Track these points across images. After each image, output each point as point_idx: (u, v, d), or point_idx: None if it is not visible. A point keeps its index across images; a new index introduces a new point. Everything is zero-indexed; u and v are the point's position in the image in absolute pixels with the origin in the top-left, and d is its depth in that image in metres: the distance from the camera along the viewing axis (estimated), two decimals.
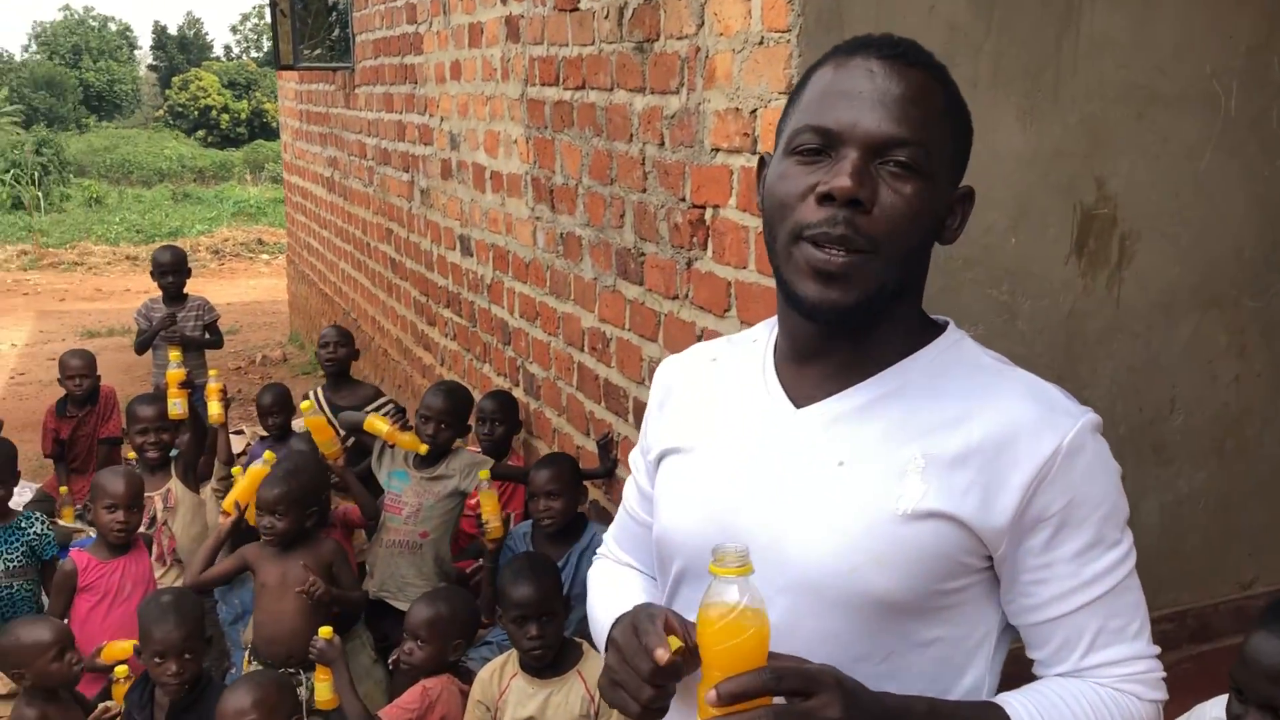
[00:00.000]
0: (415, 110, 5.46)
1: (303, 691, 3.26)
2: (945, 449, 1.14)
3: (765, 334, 1.33)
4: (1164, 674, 1.20)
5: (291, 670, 3.26)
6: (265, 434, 4.78)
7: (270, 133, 31.41)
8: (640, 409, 3.42)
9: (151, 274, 5.65)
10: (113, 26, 41.77)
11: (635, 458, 1.45)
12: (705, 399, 1.31)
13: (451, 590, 3.20)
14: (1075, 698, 1.15)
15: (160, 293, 5.61)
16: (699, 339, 2.97)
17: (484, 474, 3.46)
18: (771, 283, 2.67)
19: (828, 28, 2.55)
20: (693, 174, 3.01)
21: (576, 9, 3.60)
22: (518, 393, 4.42)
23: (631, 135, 3.32)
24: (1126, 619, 1.17)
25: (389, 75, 5.87)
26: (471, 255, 4.85)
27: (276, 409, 4.55)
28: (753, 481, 1.20)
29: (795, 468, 1.18)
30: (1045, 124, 2.84)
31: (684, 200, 3.06)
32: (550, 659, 2.75)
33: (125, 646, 3.10)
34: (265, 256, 14.66)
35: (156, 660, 2.79)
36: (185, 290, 5.67)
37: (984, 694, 1.20)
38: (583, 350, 3.81)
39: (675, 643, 1.07)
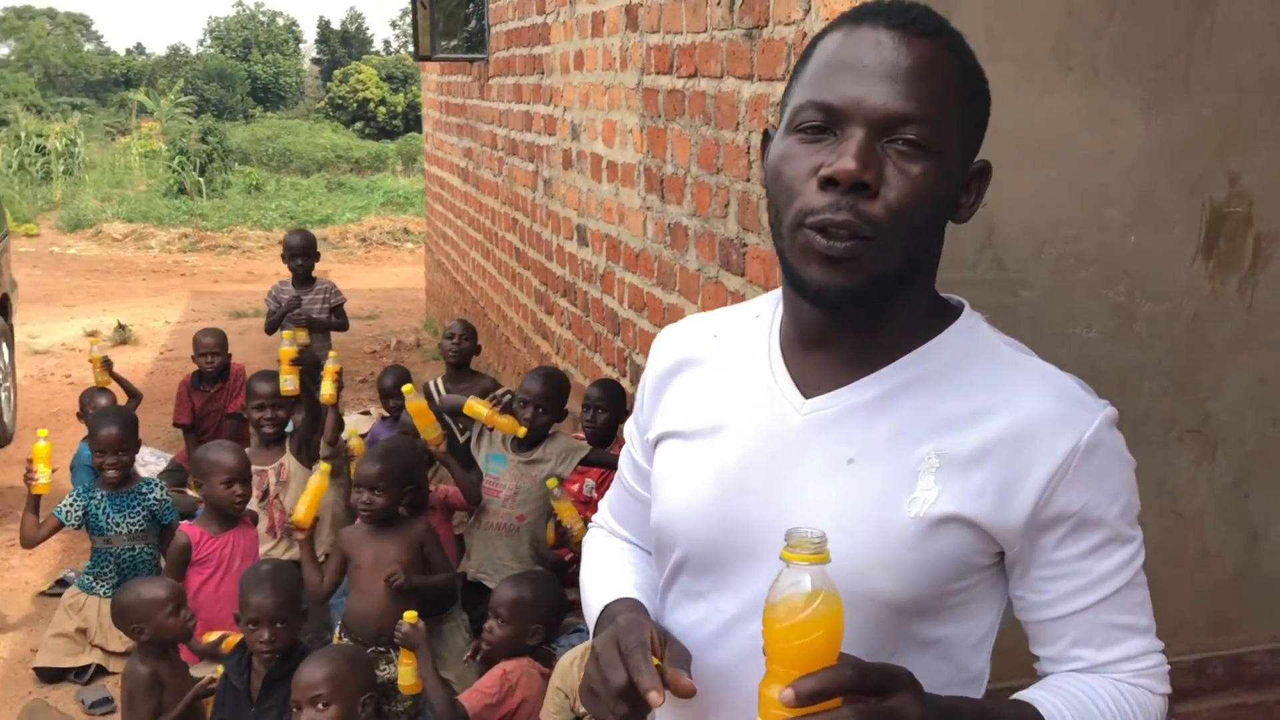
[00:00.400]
0: (541, 100, 5.49)
1: (392, 670, 3.31)
2: (961, 447, 1.10)
3: (769, 310, 1.26)
4: (1165, 668, 1.19)
5: (381, 649, 3.31)
6: (386, 414, 4.91)
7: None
8: None
9: (282, 256, 5.84)
10: (280, 21, 43.53)
11: (630, 430, 1.39)
12: (708, 380, 1.25)
13: (539, 574, 3.19)
14: (1098, 693, 1.12)
15: (290, 275, 5.79)
16: None
17: (551, 483, 3.44)
18: None
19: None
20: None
21: None
22: (625, 383, 4.39)
23: (738, 123, 3.25)
24: (1137, 615, 1.15)
25: (519, 66, 5.93)
26: (587, 245, 4.85)
27: (397, 391, 4.63)
28: (760, 476, 1.15)
29: (804, 463, 1.13)
30: (1173, 115, 2.67)
31: None
32: None
33: (212, 636, 3.24)
34: (410, 245, 15.02)
35: (251, 627, 2.86)
36: (314, 273, 5.83)
37: (983, 686, 1.18)
38: None
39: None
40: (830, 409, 1.14)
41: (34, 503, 3.80)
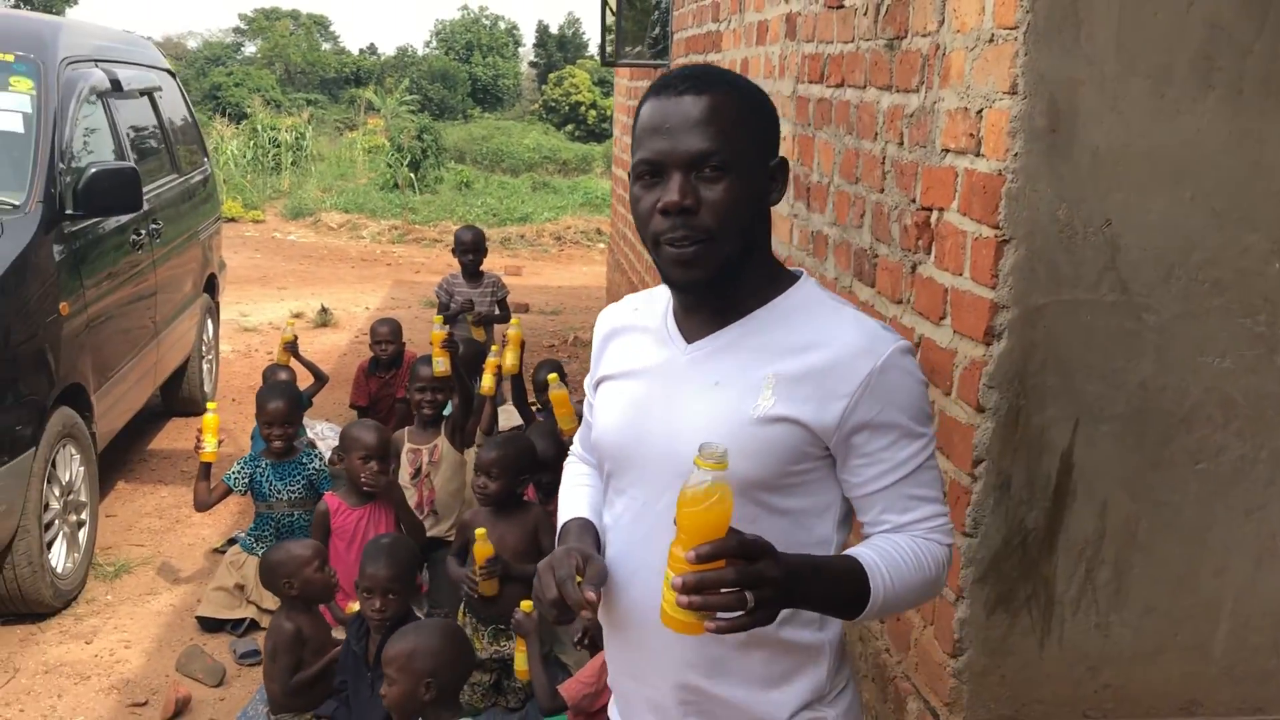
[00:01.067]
0: None
1: (510, 646, 3.45)
2: (791, 370, 1.52)
3: (666, 292, 1.69)
4: (950, 526, 1.60)
5: (501, 626, 3.46)
6: (539, 407, 5.08)
7: None
8: None
9: (453, 251, 6.11)
10: (502, 25, 45.15)
11: (587, 382, 1.84)
12: (629, 339, 1.71)
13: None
14: (900, 546, 1.53)
15: (459, 268, 6.06)
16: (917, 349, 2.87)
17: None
18: (982, 291, 2.54)
19: (1059, 26, 2.39)
20: (923, 175, 2.90)
21: (841, 6, 3.55)
22: None
23: (876, 133, 3.24)
24: (929, 488, 1.57)
25: None
26: None
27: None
28: (657, 399, 1.60)
29: (686, 388, 1.57)
30: None
31: (914, 201, 2.96)
32: None
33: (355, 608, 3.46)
34: (601, 245, 15.35)
35: (365, 595, 3.05)
36: (481, 268, 6.08)
37: (832, 549, 1.60)
38: None
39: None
40: (703, 350, 1.59)
41: (204, 470, 4.14)
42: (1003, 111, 2.46)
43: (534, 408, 5.32)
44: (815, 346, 1.51)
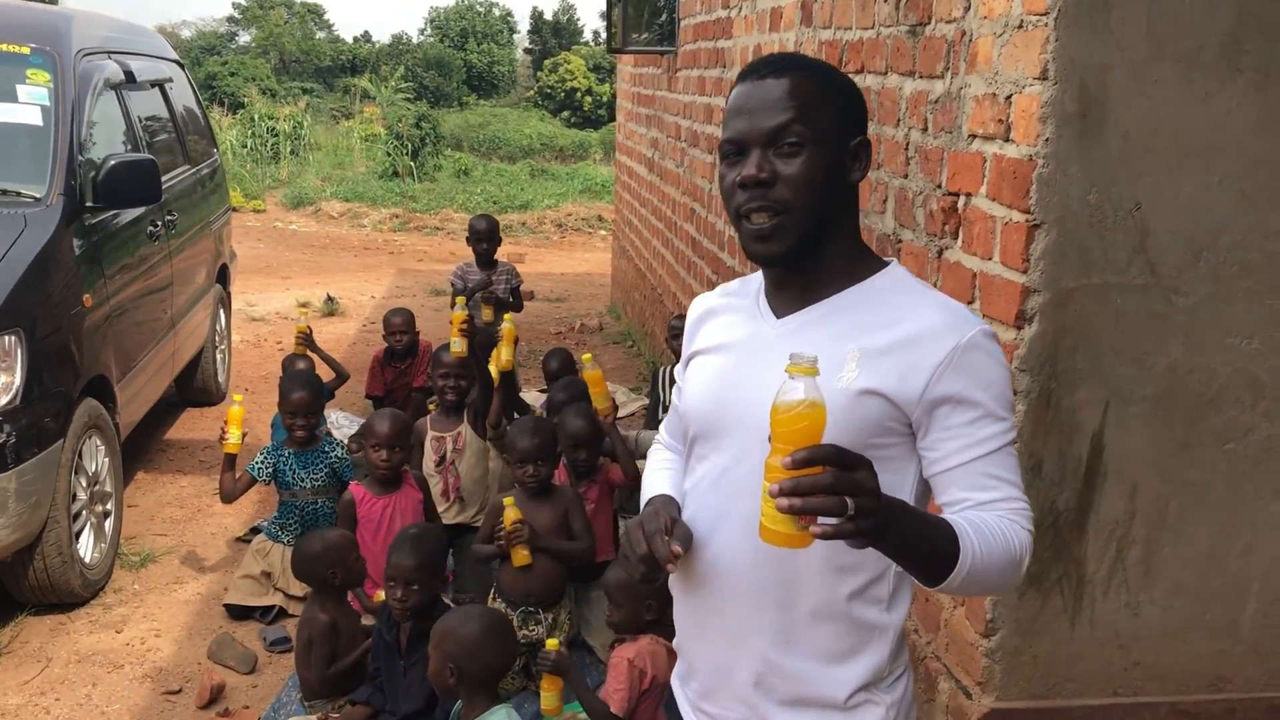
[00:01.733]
0: (723, 94, 5.58)
1: (540, 630, 3.49)
2: (875, 344, 1.56)
3: (759, 275, 1.76)
4: (1031, 526, 1.57)
5: (530, 609, 3.49)
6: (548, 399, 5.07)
7: None
8: None
9: (468, 239, 6.13)
10: (496, 12, 44.99)
11: (679, 369, 1.88)
12: (721, 319, 1.77)
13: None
14: (986, 520, 1.52)
15: (474, 257, 6.08)
16: None
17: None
18: (1013, 275, 2.57)
19: (1090, 10, 2.41)
20: (950, 160, 2.92)
21: None
22: None
23: (899, 119, 3.26)
24: (1010, 472, 1.57)
25: (703, 59, 6.03)
26: None
27: (561, 372, 4.87)
28: (745, 370, 1.65)
29: (771, 359, 1.52)
30: None
31: (939, 187, 2.98)
32: None
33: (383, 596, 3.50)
34: (603, 232, 15.35)
35: (390, 584, 3.08)
36: (496, 256, 6.10)
37: None
38: None
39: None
40: (790, 325, 1.64)
41: (229, 461, 4.17)
42: (1033, 97, 2.49)
43: (542, 393, 5.35)
44: (901, 323, 1.55)
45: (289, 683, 3.50)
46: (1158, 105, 2.48)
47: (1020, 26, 2.55)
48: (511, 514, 3.36)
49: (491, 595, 3.58)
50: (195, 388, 6.36)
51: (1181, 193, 2.54)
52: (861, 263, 1.65)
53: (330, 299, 9.66)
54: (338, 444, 4.35)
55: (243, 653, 3.69)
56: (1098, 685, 2.80)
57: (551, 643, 3.00)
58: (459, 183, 18.65)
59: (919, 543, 1.42)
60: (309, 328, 5.42)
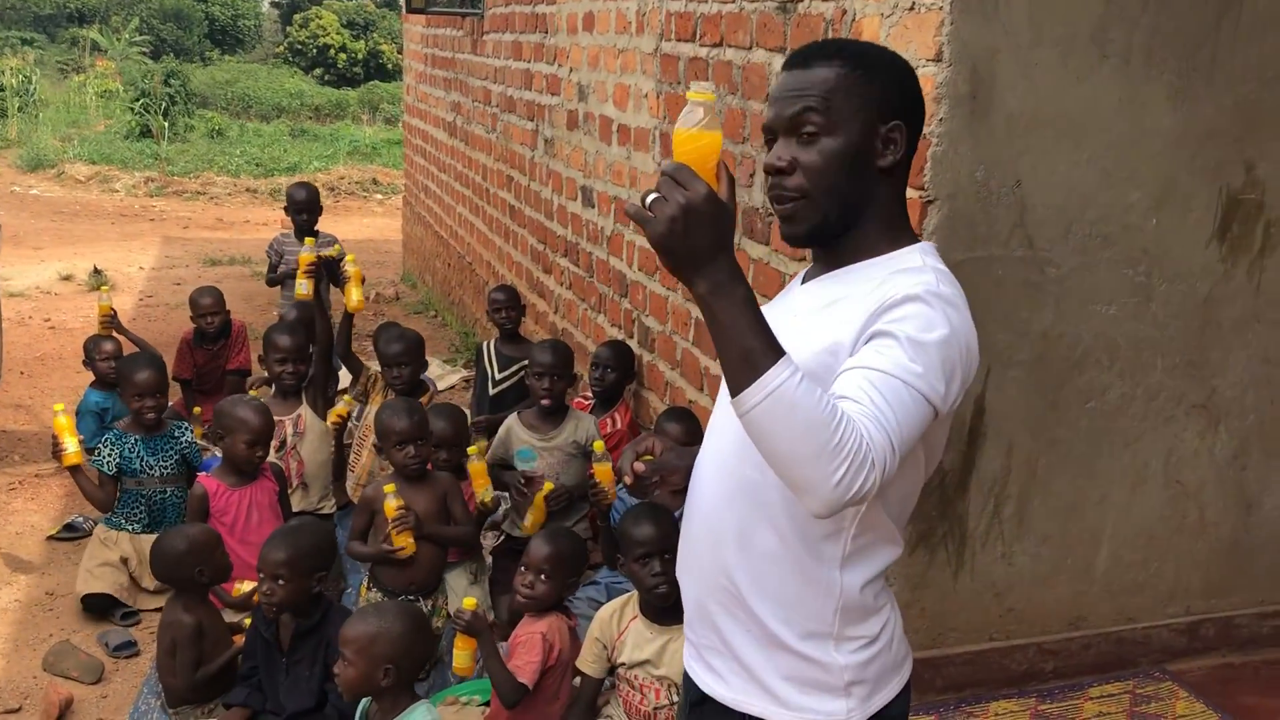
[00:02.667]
0: (544, 60, 5.51)
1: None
2: (850, 305, 1.59)
3: None
4: (885, 447, 1.42)
5: (410, 598, 3.39)
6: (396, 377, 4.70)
7: (386, 74, 31.69)
8: None
9: (286, 210, 5.81)
10: None
11: None
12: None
13: (566, 530, 3.28)
14: (823, 393, 1.43)
15: (291, 228, 5.78)
16: None
17: (599, 446, 3.51)
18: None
19: None
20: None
21: None
22: (632, 343, 4.48)
23: (768, 95, 3.32)
24: (890, 399, 1.45)
25: (519, 23, 5.93)
26: (593, 206, 4.91)
27: (404, 358, 4.52)
28: (780, 320, 1.60)
29: (780, 314, 1.67)
30: (1197, 104, 2.79)
31: None
32: (674, 600, 2.83)
33: (244, 588, 3.32)
34: (379, 196, 14.90)
35: (260, 576, 2.93)
36: (316, 227, 5.83)
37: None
38: None
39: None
40: (807, 288, 1.72)
41: (75, 471, 3.80)
42: (928, 78, 2.59)
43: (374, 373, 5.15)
44: (877, 287, 1.56)
45: (144, 690, 3.26)
46: (1038, 88, 2.64)
47: (911, 9, 2.64)
48: (393, 502, 3.24)
49: (364, 586, 3.46)
50: None
51: (1056, 170, 2.72)
52: (889, 241, 1.66)
53: (96, 271, 8.95)
54: (187, 428, 4.06)
55: (86, 661, 3.40)
56: (976, 633, 3.00)
57: (469, 601, 2.93)
58: (215, 144, 17.60)
59: (724, 315, 1.39)
60: (112, 309, 5.01)
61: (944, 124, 2.59)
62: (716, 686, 1.75)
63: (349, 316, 4.38)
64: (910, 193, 2.67)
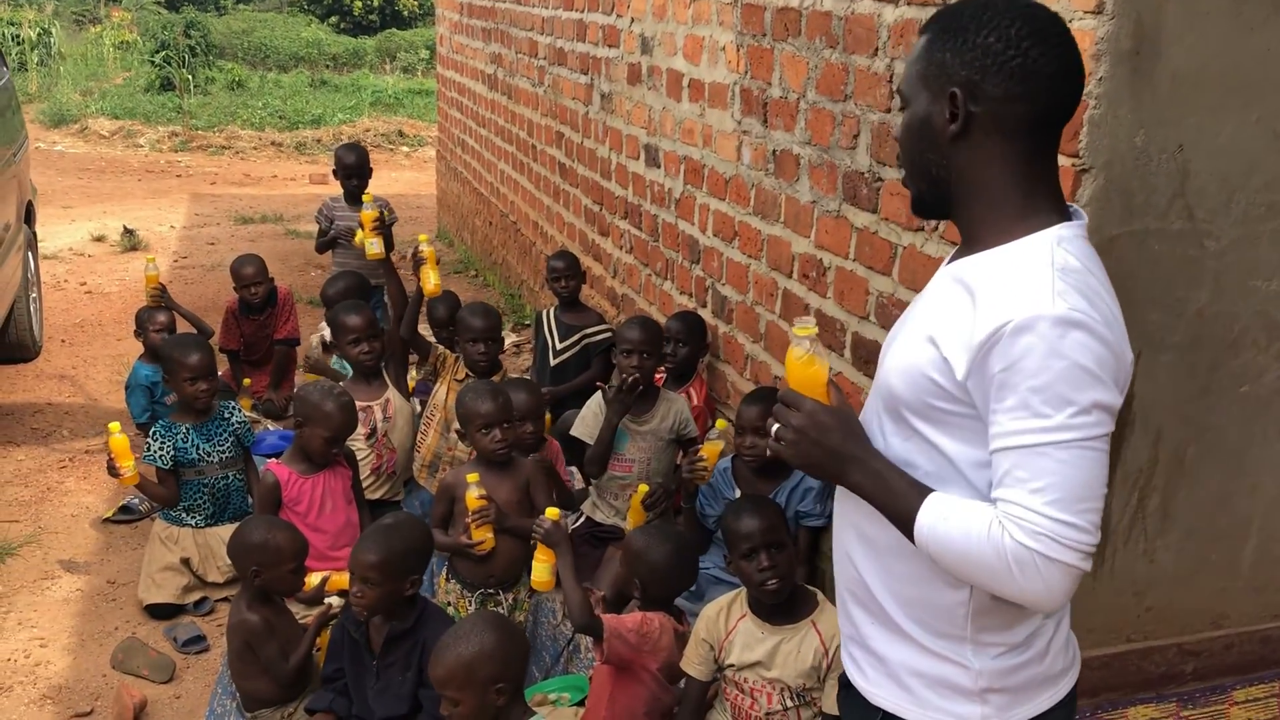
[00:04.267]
0: (600, 10, 5.22)
1: (500, 611, 3.21)
2: (962, 303, 1.53)
3: None
4: (1054, 535, 1.41)
5: (490, 590, 3.20)
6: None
7: (401, 21, 31.18)
8: (860, 344, 3.23)
9: (334, 173, 5.57)
10: None
11: None
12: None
13: (677, 534, 3.06)
14: (976, 509, 1.48)
15: (343, 193, 5.54)
16: None
17: (721, 424, 3.30)
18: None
19: None
20: None
21: None
22: (705, 313, 4.25)
23: (876, 49, 3.06)
24: (1031, 474, 1.42)
25: None
26: (658, 166, 4.65)
27: (450, 320, 4.43)
28: (915, 308, 1.69)
29: (924, 299, 1.67)
30: None
31: None
32: (786, 594, 2.63)
33: (314, 580, 3.10)
34: (405, 149, 14.63)
35: (350, 576, 2.74)
36: (368, 191, 5.58)
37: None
38: (790, 277, 3.61)
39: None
40: (944, 271, 1.66)
41: (137, 487, 3.63)
42: (1087, 33, 2.33)
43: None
44: (984, 287, 1.50)
45: (218, 690, 3.09)
46: (1207, 40, 2.38)
47: None
48: (475, 493, 3.03)
49: (444, 577, 3.27)
50: (9, 343, 5.59)
51: (1221, 133, 2.46)
52: (1015, 220, 1.55)
53: (128, 231, 8.75)
54: (235, 407, 3.85)
55: (157, 659, 3.23)
56: (1114, 634, 2.79)
57: (552, 511, 2.84)
58: (237, 96, 17.30)
59: (876, 498, 1.56)
60: (161, 284, 4.78)
61: (1103, 84, 2.33)
62: (856, 675, 1.75)
63: (419, 298, 4.09)
64: (1063, 160, 2.41)
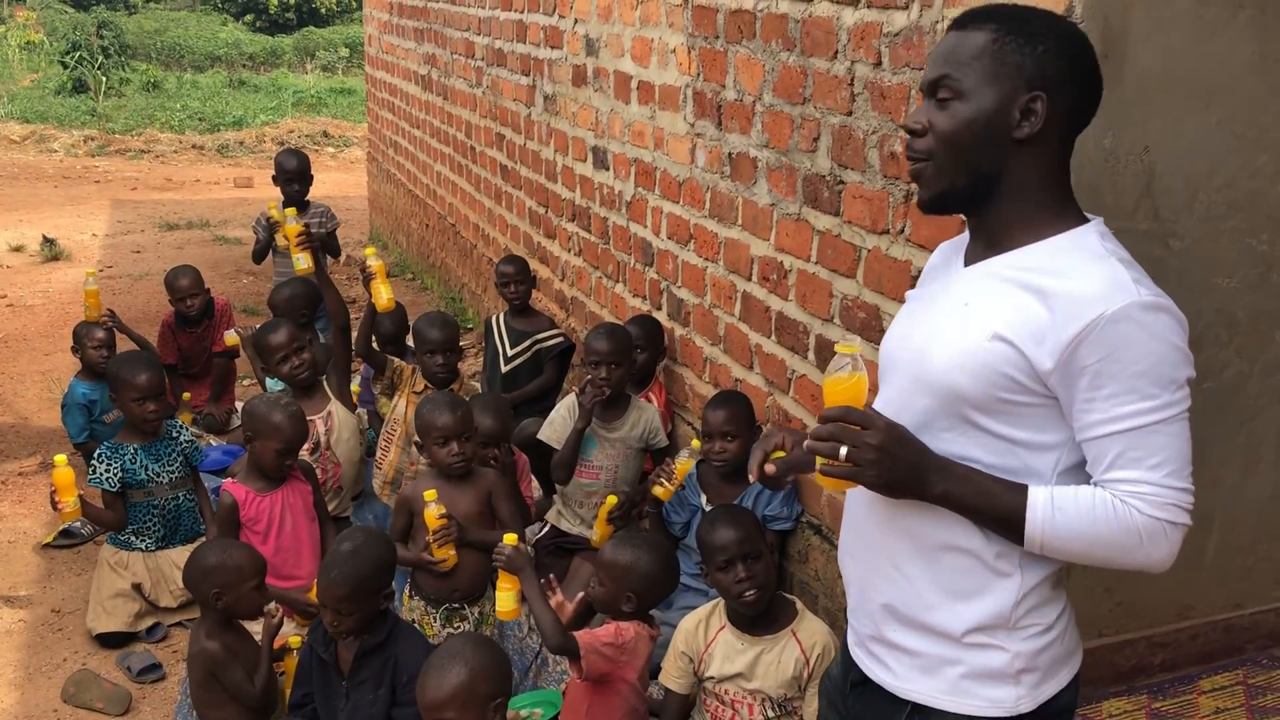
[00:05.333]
0: (541, 10, 5.16)
1: (466, 626, 3.15)
2: (1028, 300, 1.55)
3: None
4: (1176, 502, 1.54)
5: (454, 605, 3.14)
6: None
7: (319, 19, 30.67)
8: (824, 346, 3.22)
9: (274, 179, 5.44)
10: None
11: None
12: (937, 268, 1.83)
13: (655, 542, 3.01)
14: (1085, 493, 1.55)
15: (282, 199, 5.40)
16: (914, 280, 2.75)
17: (696, 443, 3.27)
18: None
19: None
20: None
21: None
22: (660, 316, 4.22)
23: (836, 52, 3.05)
24: (1147, 452, 1.52)
25: None
26: (607, 169, 4.61)
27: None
28: (923, 312, 1.73)
29: (945, 304, 1.67)
30: None
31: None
32: (765, 604, 2.61)
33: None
34: (331, 149, 14.39)
35: (322, 606, 2.66)
36: (308, 197, 5.46)
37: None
38: (750, 279, 3.59)
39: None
40: (972, 273, 1.67)
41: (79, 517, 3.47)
42: None
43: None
44: (1060, 282, 1.54)
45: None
46: (1171, 43, 2.41)
47: None
48: (434, 511, 2.96)
49: (406, 594, 3.19)
50: None
51: (1184, 134, 2.49)
52: (1050, 219, 1.62)
53: (48, 240, 8.47)
54: (181, 426, 3.73)
55: (111, 691, 3.11)
56: (1086, 629, 2.77)
57: (510, 537, 2.71)
58: (153, 98, 16.87)
59: (969, 502, 1.58)
60: (109, 309, 4.62)
61: None
62: (880, 673, 1.75)
63: (372, 313, 3.90)
64: None
